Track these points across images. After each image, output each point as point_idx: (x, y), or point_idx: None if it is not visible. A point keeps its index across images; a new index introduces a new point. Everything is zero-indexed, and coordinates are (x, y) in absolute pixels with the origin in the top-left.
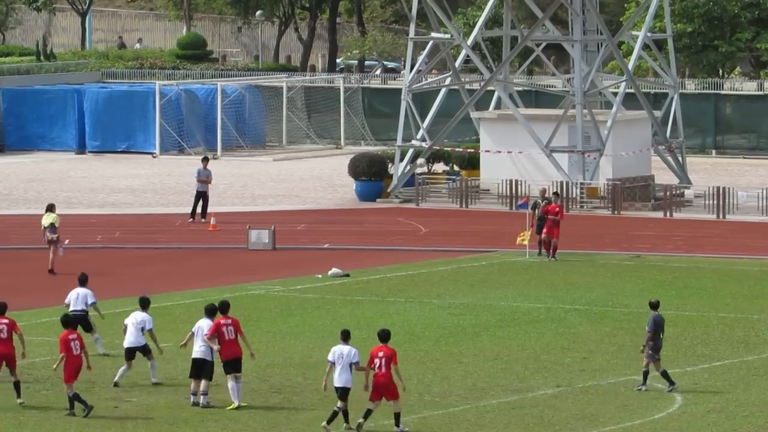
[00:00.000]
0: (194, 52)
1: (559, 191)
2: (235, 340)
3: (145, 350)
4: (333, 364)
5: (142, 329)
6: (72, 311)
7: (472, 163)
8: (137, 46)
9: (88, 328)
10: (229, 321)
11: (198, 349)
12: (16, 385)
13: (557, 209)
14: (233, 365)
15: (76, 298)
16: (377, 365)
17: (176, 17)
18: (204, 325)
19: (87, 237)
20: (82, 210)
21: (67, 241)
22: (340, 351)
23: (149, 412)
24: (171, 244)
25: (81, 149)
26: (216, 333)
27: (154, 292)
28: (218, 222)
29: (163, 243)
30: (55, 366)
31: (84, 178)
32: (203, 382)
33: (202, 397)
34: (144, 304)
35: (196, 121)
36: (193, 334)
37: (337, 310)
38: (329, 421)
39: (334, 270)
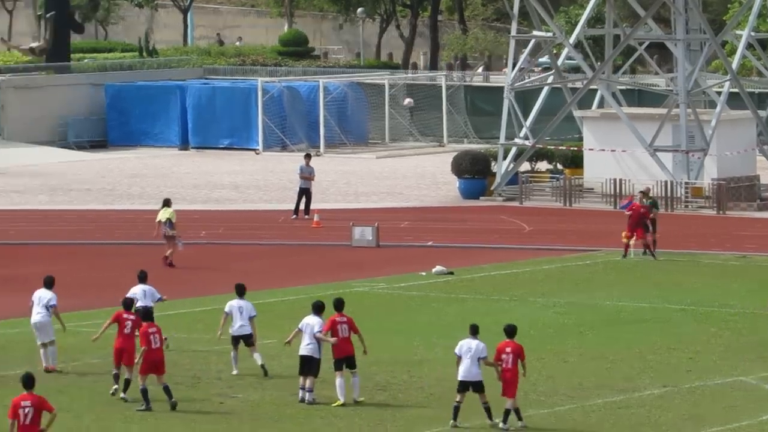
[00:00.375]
0: (296, 49)
1: (645, 190)
2: (348, 339)
3: (249, 339)
4: (460, 357)
5: (249, 318)
6: (140, 306)
7: (575, 161)
8: (237, 44)
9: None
10: (344, 319)
11: (305, 347)
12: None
13: (643, 209)
14: (346, 363)
15: (143, 294)
16: (505, 361)
17: (278, 14)
18: (313, 322)
19: (191, 233)
20: (185, 206)
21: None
22: (468, 345)
23: (255, 408)
24: (274, 240)
25: (184, 145)
26: (331, 330)
27: (257, 289)
28: (321, 219)
29: (266, 239)
30: (136, 360)
31: (187, 174)
32: (309, 379)
33: (307, 393)
34: (241, 291)
35: (299, 117)
36: (299, 330)
37: (441, 308)
38: (490, 416)
39: (438, 268)
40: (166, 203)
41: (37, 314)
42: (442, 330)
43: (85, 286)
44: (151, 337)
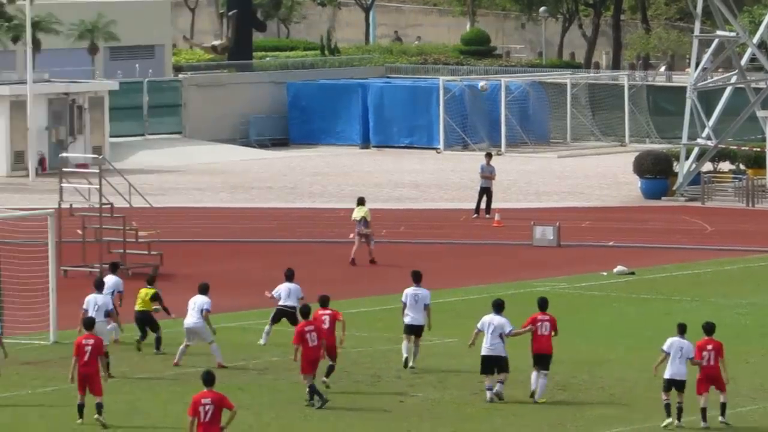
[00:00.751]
0: (478, 48)
1: None
2: (548, 337)
3: (420, 331)
4: (668, 355)
5: (425, 306)
6: (282, 306)
7: (758, 162)
8: (416, 43)
9: (295, 322)
10: (546, 318)
11: (488, 347)
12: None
13: None
14: (540, 360)
15: (287, 293)
16: (706, 358)
17: (460, 13)
18: (497, 321)
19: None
20: (367, 204)
21: (352, 236)
22: (678, 344)
23: (435, 406)
24: (455, 239)
25: (365, 144)
26: (531, 326)
27: (438, 287)
28: (502, 218)
29: (447, 238)
30: (293, 357)
31: (368, 173)
32: (502, 375)
33: (498, 384)
34: (417, 278)
35: (480, 116)
36: (480, 331)
37: (622, 308)
38: (680, 417)
39: (620, 267)
40: (361, 202)
41: (191, 317)
42: (623, 330)
43: (266, 284)
44: (308, 335)
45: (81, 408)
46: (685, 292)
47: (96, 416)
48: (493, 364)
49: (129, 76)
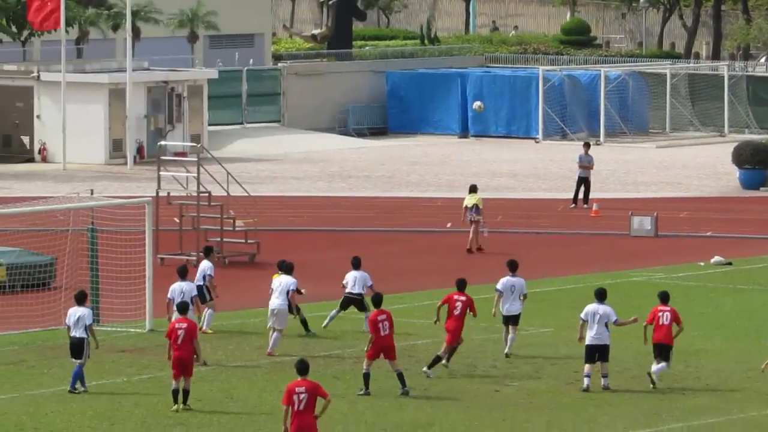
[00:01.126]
0: (578, 38)
1: None
2: (668, 327)
3: (516, 321)
4: None
5: (521, 295)
6: (349, 293)
7: None
8: (512, 33)
9: (363, 309)
10: (667, 309)
11: (594, 335)
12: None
13: None
14: (660, 350)
15: (354, 281)
16: None
17: (560, 3)
18: (603, 310)
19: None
20: (463, 194)
21: (449, 225)
22: None
23: (530, 396)
24: (553, 229)
25: (463, 133)
26: (653, 318)
27: (535, 277)
28: (600, 208)
29: (544, 228)
30: (366, 347)
31: (466, 162)
32: (603, 365)
33: (602, 379)
34: (513, 267)
35: (579, 106)
36: (584, 321)
37: (719, 299)
38: None
39: (717, 258)
40: (473, 189)
41: (276, 299)
42: (720, 320)
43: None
44: (380, 324)
45: (176, 394)
46: None
47: (183, 405)
48: (598, 353)
49: (228, 65)
